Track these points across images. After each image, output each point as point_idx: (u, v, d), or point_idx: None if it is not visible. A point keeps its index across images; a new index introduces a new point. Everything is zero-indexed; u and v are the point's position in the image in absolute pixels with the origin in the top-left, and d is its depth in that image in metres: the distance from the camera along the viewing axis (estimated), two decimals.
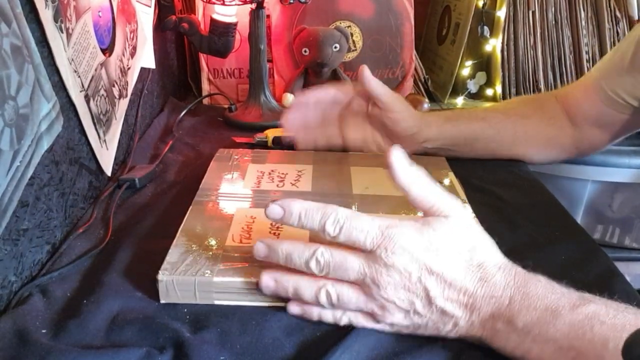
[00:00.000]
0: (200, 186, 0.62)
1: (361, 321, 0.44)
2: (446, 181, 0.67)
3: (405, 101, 0.74)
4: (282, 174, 0.66)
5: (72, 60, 0.57)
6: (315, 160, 0.71)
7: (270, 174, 0.66)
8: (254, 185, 0.64)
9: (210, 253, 0.49)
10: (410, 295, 0.41)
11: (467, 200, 0.62)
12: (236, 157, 0.71)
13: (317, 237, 0.44)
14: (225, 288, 0.46)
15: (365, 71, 0.70)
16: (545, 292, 0.40)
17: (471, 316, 0.41)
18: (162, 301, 0.47)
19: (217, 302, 0.47)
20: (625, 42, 0.71)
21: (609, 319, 0.37)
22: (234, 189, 0.63)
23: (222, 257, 0.48)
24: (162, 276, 0.46)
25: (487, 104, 1.14)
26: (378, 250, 0.41)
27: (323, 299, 0.43)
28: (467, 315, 0.41)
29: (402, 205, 0.60)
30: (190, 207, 0.57)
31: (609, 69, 0.72)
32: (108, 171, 0.66)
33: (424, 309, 0.41)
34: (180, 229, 0.53)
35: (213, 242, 0.51)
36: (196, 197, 0.60)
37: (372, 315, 0.43)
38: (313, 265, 0.43)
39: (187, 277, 0.46)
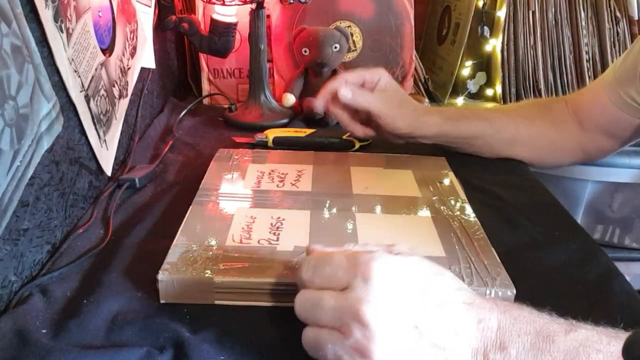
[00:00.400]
0: (200, 186, 0.63)
1: None
2: (446, 181, 0.67)
3: (398, 98, 0.74)
4: (282, 174, 0.66)
5: (72, 60, 0.57)
6: (315, 160, 0.71)
7: (270, 174, 0.66)
8: (254, 185, 0.64)
9: (211, 253, 0.49)
10: (396, 324, 0.36)
11: (467, 200, 0.62)
12: (236, 157, 0.71)
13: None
14: (225, 288, 0.46)
15: (342, 91, 0.71)
16: (532, 316, 0.38)
17: (461, 346, 0.37)
18: (162, 301, 0.47)
19: (217, 302, 0.47)
20: (636, 47, 0.70)
21: (604, 346, 0.35)
22: (234, 189, 0.63)
23: (222, 257, 0.48)
24: (162, 276, 0.46)
25: (487, 104, 1.14)
26: (354, 281, 0.37)
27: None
28: (456, 344, 0.37)
29: (403, 205, 0.60)
30: (190, 207, 0.57)
31: (622, 74, 0.72)
32: (108, 171, 0.66)
33: (411, 341, 0.36)
34: (180, 229, 0.53)
35: (213, 242, 0.51)
36: (196, 197, 0.60)
37: None
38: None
39: (188, 277, 0.46)
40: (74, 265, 0.51)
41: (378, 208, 0.59)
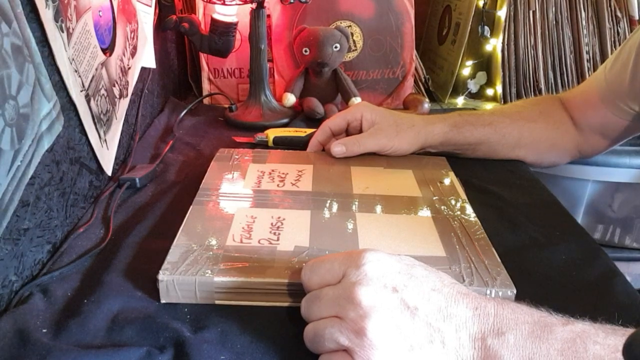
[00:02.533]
0: (201, 186, 0.63)
1: None
2: (446, 181, 0.67)
3: (391, 124, 0.73)
4: (283, 173, 0.66)
5: (73, 59, 0.57)
6: (315, 160, 0.71)
7: (270, 173, 0.66)
8: (254, 185, 0.64)
9: (211, 253, 0.49)
10: (389, 304, 0.37)
11: (467, 200, 0.62)
12: (237, 156, 0.71)
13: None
14: (225, 288, 0.46)
15: (335, 150, 0.71)
16: (529, 309, 0.38)
17: (458, 329, 0.37)
18: (163, 301, 0.47)
19: (217, 302, 0.47)
20: (625, 49, 0.71)
21: (601, 339, 0.36)
22: (234, 189, 0.63)
23: (222, 257, 0.48)
24: (162, 276, 0.46)
25: (488, 104, 1.14)
26: (348, 270, 0.39)
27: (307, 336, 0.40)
28: (452, 327, 0.37)
29: (403, 205, 0.60)
30: (191, 207, 0.57)
31: (612, 78, 0.73)
32: (108, 171, 0.66)
33: (405, 320, 0.37)
34: (180, 228, 0.53)
35: (214, 242, 0.51)
36: (197, 196, 0.60)
37: (348, 353, 0.38)
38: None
39: (188, 277, 0.46)
40: (75, 265, 0.51)
41: (378, 208, 0.59)
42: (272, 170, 0.67)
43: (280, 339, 0.43)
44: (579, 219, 1.12)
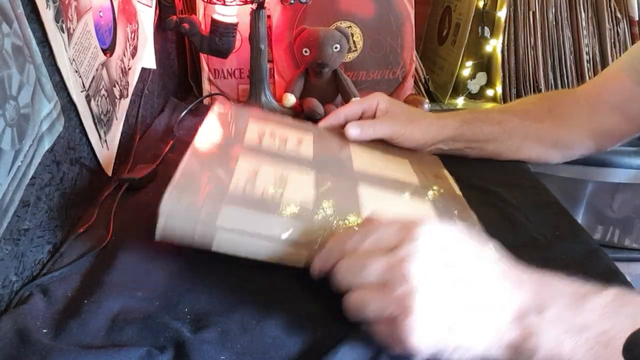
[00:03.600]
0: (198, 133, 0.59)
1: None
2: (441, 176, 0.68)
3: (405, 113, 0.74)
4: (284, 137, 0.64)
5: (73, 60, 0.57)
6: (315, 132, 0.71)
7: (272, 134, 0.64)
8: (255, 141, 0.61)
9: (215, 191, 0.47)
10: (437, 282, 0.38)
11: (462, 195, 0.62)
12: (234, 112, 0.69)
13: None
14: (229, 227, 0.44)
15: (350, 132, 0.71)
16: (565, 281, 0.40)
17: (500, 310, 0.38)
18: (157, 238, 0.45)
19: (214, 249, 0.45)
20: None
21: (630, 299, 0.38)
22: (233, 142, 0.60)
23: (228, 198, 0.46)
24: (164, 206, 0.44)
25: (488, 105, 1.14)
26: (402, 242, 0.40)
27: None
28: (496, 304, 0.38)
29: (400, 185, 0.61)
30: (189, 151, 0.54)
31: (637, 52, 0.71)
32: (109, 171, 0.66)
33: (453, 297, 0.38)
34: (181, 167, 0.50)
35: (216, 186, 0.49)
36: (194, 143, 0.56)
37: (391, 324, 0.38)
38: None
39: (191, 209, 0.44)
40: (75, 265, 0.51)
41: (379, 177, 0.60)
42: (273, 132, 0.65)
43: (281, 339, 0.43)
44: (579, 219, 1.12)
